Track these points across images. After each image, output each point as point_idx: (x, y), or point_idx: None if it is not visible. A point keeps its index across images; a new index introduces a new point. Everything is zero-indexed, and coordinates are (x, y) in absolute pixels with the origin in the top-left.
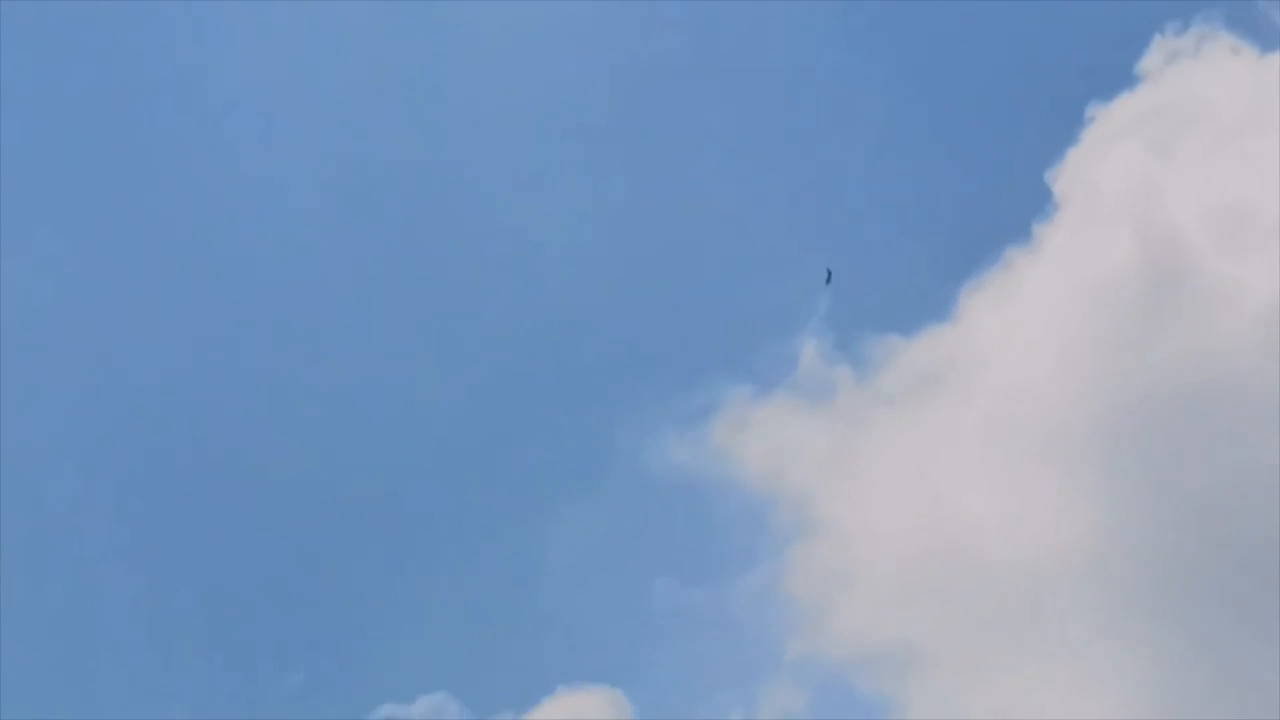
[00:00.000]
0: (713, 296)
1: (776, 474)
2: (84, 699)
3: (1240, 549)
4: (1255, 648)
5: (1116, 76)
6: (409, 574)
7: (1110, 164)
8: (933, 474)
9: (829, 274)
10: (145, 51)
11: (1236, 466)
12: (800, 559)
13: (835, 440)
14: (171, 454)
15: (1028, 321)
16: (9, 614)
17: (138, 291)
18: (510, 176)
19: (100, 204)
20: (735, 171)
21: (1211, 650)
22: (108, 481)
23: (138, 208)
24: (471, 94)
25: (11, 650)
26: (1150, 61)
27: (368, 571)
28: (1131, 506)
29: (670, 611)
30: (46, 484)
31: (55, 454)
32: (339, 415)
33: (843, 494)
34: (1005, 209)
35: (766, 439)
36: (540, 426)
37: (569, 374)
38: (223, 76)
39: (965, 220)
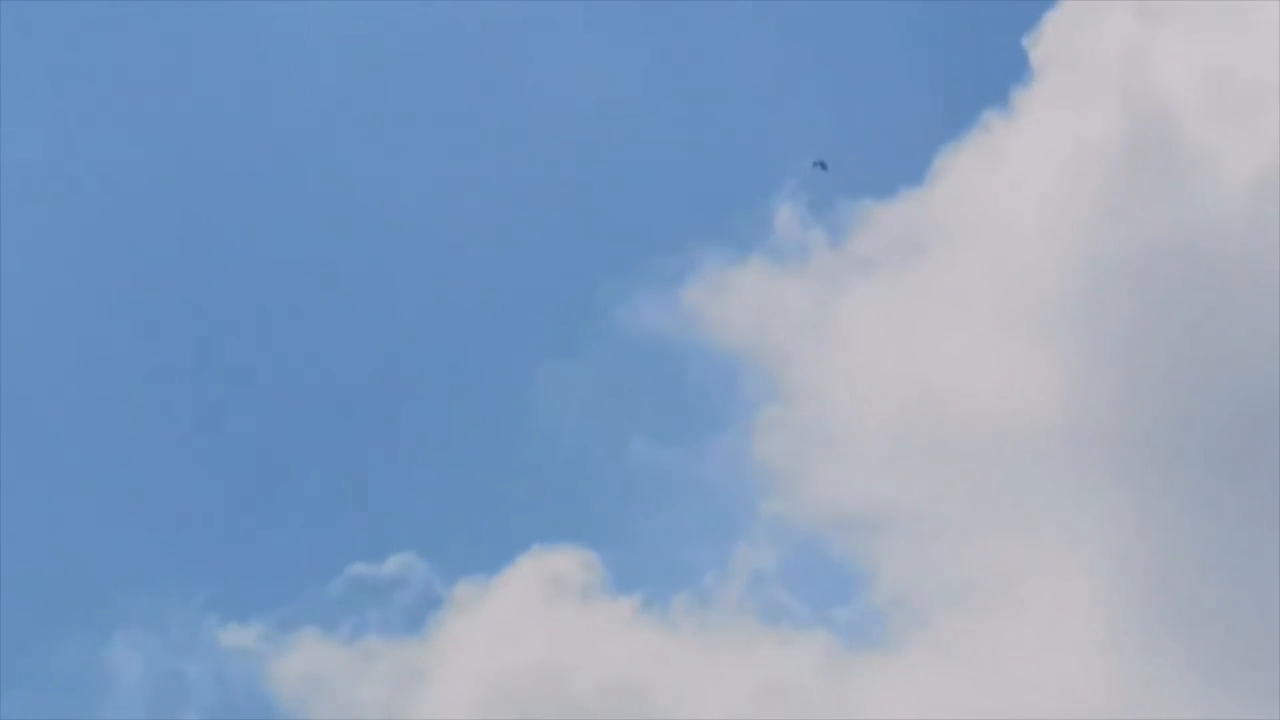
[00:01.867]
0: (687, 160)
1: (751, 337)
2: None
3: (1223, 413)
4: (1240, 510)
5: None
6: (379, 433)
7: (1095, 26)
8: (909, 337)
9: (821, 164)
10: None
11: (1220, 332)
12: (775, 421)
13: (810, 304)
14: (146, 312)
15: (1006, 186)
16: None
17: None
18: (495, 43)
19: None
20: (710, 35)
21: (1195, 512)
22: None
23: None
24: None
25: None
26: None
27: (338, 430)
28: (1113, 370)
29: (643, 472)
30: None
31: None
32: (315, 274)
33: (818, 357)
34: (983, 74)
35: (741, 302)
36: (514, 288)
37: (543, 236)
38: None
39: (941, 85)
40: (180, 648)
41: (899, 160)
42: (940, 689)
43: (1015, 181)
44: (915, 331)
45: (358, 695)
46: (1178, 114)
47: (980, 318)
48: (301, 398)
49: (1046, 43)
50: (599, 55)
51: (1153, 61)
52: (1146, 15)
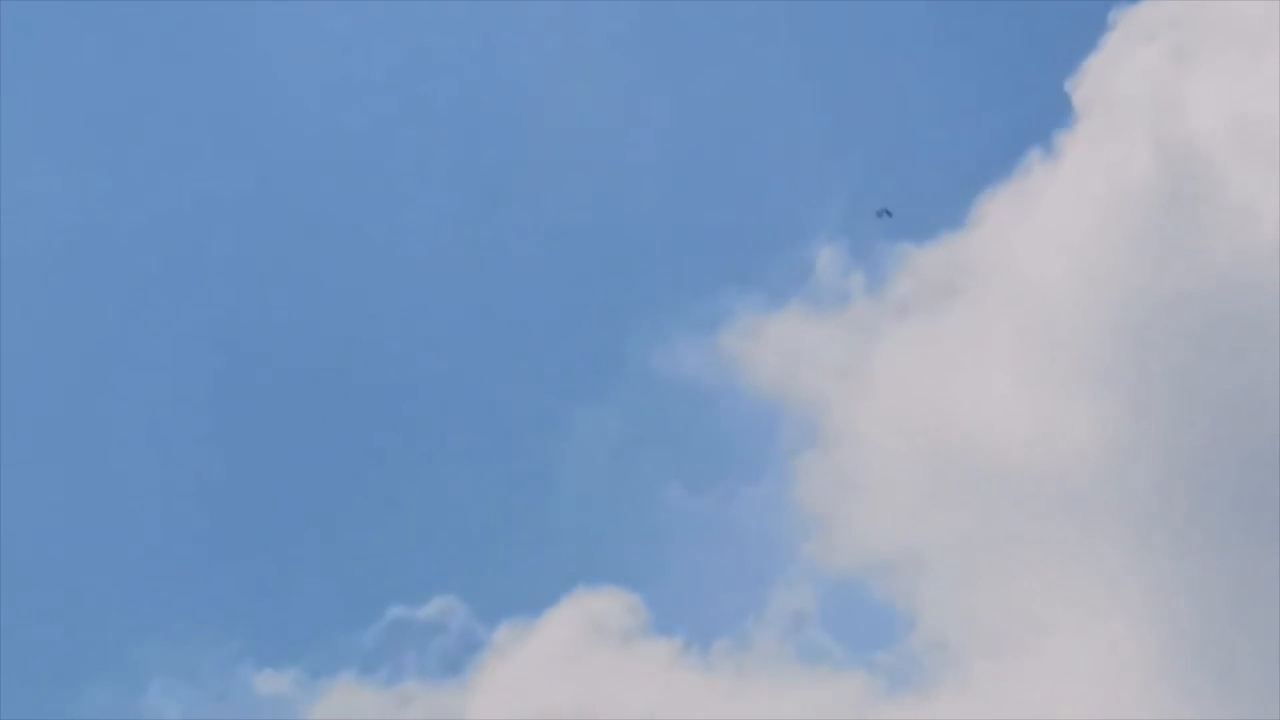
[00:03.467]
0: (727, 204)
1: (788, 383)
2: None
3: (1257, 459)
4: (1275, 556)
5: None
6: (421, 477)
7: (1132, 71)
8: (945, 383)
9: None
10: None
11: (1254, 377)
12: (812, 466)
13: (848, 349)
14: (182, 343)
15: (1045, 230)
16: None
17: None
18: (534, 79)
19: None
20: (753, 78)
21: (1233, 559)
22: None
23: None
24: None
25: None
26: None
27: (380, 473)
28: (1148, 416)
29: (681, 517)
30: None
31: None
32: (356, 315)
33: (855, 403)
34: (1025, 116)
35: (779, 348)
36: (554, 331)
37: (583, 280)
38: None
39: (983, 128)
40: (216, 695)
41: (940, 204)
42: None
43: (1053, 226)
44: (952, 377)
45: None
46: (1214, 159)
47: (1016, 363)
48: (341, 440)
49: (1088, 86)
50: (641, 96)
51: (1190, 106)
52: (1183, 60)
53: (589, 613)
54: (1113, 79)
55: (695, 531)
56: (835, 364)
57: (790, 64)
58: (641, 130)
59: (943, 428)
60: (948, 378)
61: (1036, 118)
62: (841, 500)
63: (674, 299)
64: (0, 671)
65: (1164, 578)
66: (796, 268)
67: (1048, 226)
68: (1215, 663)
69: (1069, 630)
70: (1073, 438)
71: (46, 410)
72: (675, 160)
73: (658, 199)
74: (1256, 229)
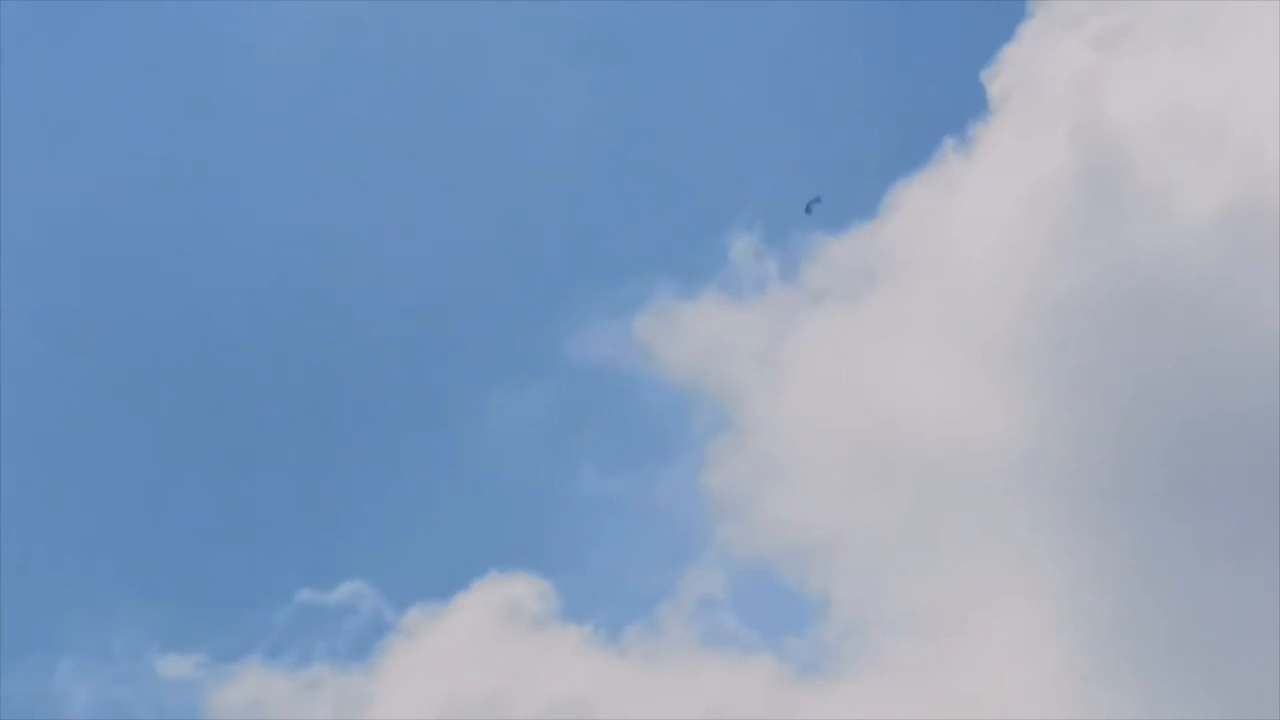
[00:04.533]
0: (642, 191)
1: (703, 369)
2: None
3: (1174, 453)
4: (1187, 539)
5: None
6: (331, 459)
7: (1050, 61)
8: (861, 370)
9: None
10: None
11: (1170, 364)
12: (726, 452)
13: (763, 336)
14: (90, 323)
15: (960, 221)
16: None
17: None
18: (451, 67)
19: None
20: (670, 67)
21: (1147, 552)
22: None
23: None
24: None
25: None
26: None
27: (290, 455)
28: (1065, 402)
29: (594, 502)
30: None
31: None
32: (269, 296)
33: (770, 389)
34: (941, 107)
35: (694, 334)
36: (469, 315)
37: (498, 264)
38: None
39: (899, 119)
40: (124, 677)
41: (855, 193)
42: (887, 714)
43: (970, 215)
44: (867, 364)
45: None
46: (1133, 148)
47: (932, 350)
48: (251, 422)
49: (1004, 76)
50: (557, 85)
51: (1108, 95)
52: (1103, 48)
53: (500, 598)
54: (1031, 69)
55: (609, 517)
56: (750, 351)
57: (706, 54)
58: (558, 117)
59: (858, 414)
60: (863, 365)
61: (952, 108)
62: (756, 486)
63: (590, 284)
64: None
65: (1079, 562)
66: (712, 255)
67: (964, 215)
68: (1130, 645)
69: (985, 615)
70: (988, 424)
71: None
72: (591, 147)
73: (574, 186)
74: (1174, 218)
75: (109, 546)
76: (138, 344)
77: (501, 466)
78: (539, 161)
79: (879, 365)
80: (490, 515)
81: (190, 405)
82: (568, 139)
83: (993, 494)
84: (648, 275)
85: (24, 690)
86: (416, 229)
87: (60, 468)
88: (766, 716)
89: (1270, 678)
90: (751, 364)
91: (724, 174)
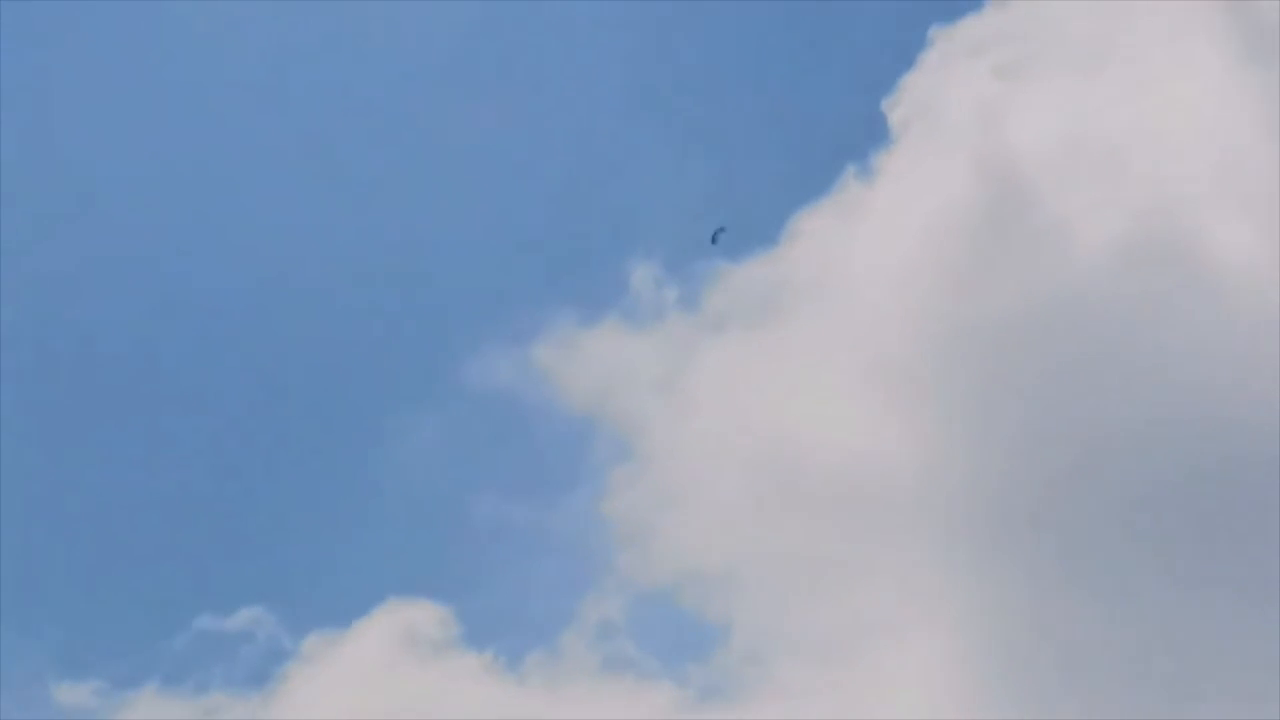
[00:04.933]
0: (542, 218)
1: (603, 396)
2: None
3: (1067, 483)
4: (1077, 579)
5: None
6: (231, 484)
7: (951, 90)
8: (762, 398)
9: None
10: None
11: (1064, 394)
12: (626, 480)
13: (663, 364)
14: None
15: (861, 249)
16: None
17: None
18: (356, 82)
19: None
20: (572, 93)
21: (1037, 570)
22: None
23: None
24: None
25: None
26: None
27: (188, 480)
28: (960, 436)
29: (494, 529)
30: None
31: None
32: (173, 318)
33: (670, 417)
34: (841, 135)
35: (593, 361)
36: (368, 340)
37: (398, 289)
38: None
39: (799, 147)
40: (20, 704)
41: (755, 222)
42: None
43: (870, 243)
44: (768, 392)
45: None
46: (1033, 176)
47: (832, 379)
48: (151, 446)
49: (905, 105)
50: (458, 113)
51: (1009, 124)
52: (1004, 77)
53: (400, 624)
54: (931, 97)
55: (509, 543)
56: (650, 379)
57: (610, 81)
58: (460, 140)
59: (758, 442)
60: (763, 393)
61: (853, 137)
62: (656, 513)
63: (489, 311)
64: None
65: (975, 587)
66: (612, 283)
67: (864, 244)
68: (1020, 668)
69: (884, 640)
70: (887, 452)
71: None
72: (493, 173)
73: (475, 211)
74: (1072, 246)
75: (5, 570)
76: (42, 362)
77: (402, 493)
78: (439, 189)
79: (779, 393)
80: (390, 541)
81: (83, 430)
82: (468, 167)
83: (891, 520)
84: (548, 303)
85: None
86: (315, 255)
87: None
88: None
89: (1163, 698)
90: (652, 392)
91: (624, 202)
